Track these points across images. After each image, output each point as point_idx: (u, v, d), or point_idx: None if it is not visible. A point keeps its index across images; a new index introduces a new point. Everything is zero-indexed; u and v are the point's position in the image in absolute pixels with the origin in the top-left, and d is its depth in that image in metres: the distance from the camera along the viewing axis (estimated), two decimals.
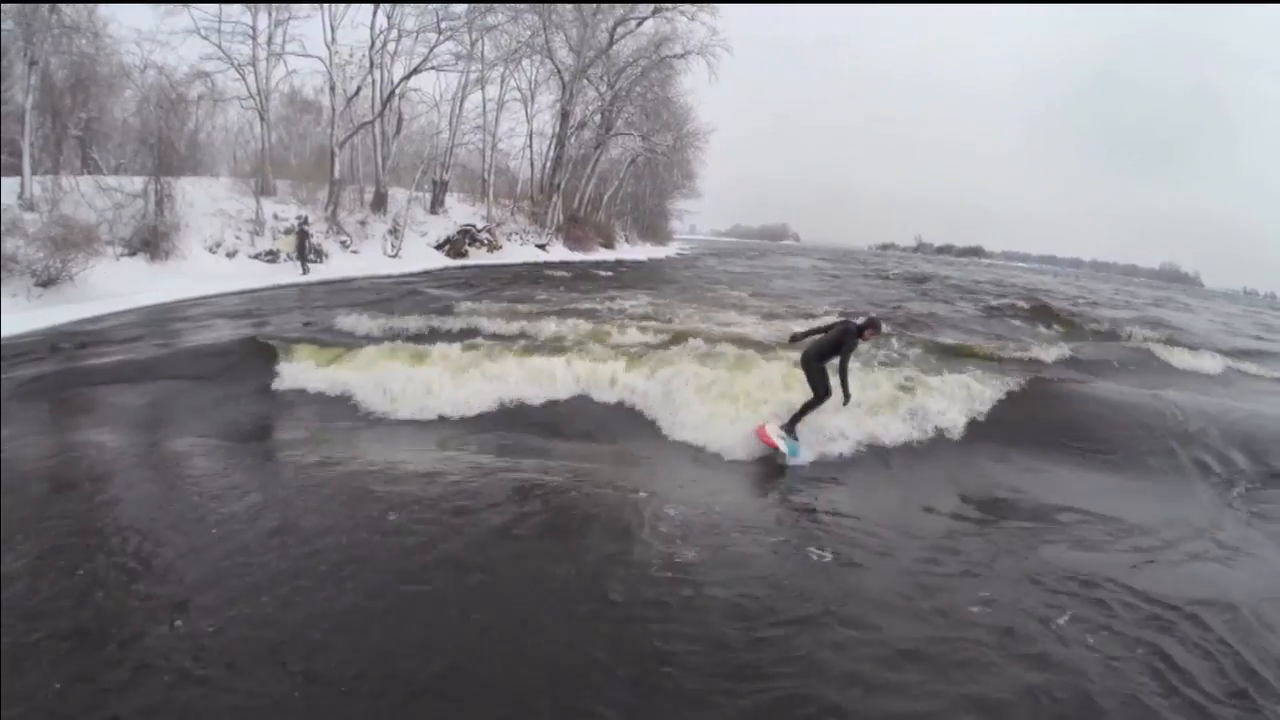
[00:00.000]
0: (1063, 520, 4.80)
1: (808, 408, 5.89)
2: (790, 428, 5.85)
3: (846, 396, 5.81)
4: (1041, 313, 16.41)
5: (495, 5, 24.57)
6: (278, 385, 7.19)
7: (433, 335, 9.42)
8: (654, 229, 51.93)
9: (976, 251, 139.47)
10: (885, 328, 6.62)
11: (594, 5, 30.06)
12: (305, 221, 18.96)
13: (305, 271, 17.83)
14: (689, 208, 60.18)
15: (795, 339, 6.52)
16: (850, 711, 2.59)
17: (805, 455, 5.77)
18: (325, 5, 20.15)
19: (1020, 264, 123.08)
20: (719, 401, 6.52)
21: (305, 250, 18.28)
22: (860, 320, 6.14)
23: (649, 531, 4.03)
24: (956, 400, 6.79)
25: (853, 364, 6.08)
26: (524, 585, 3.36)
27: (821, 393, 5.86)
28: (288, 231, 18.50)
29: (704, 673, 2.76)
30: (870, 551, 4.02)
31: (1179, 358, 11.04)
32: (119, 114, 20.10)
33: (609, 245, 36.90)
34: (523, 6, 26.83)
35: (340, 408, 6.71)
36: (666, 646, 2.91)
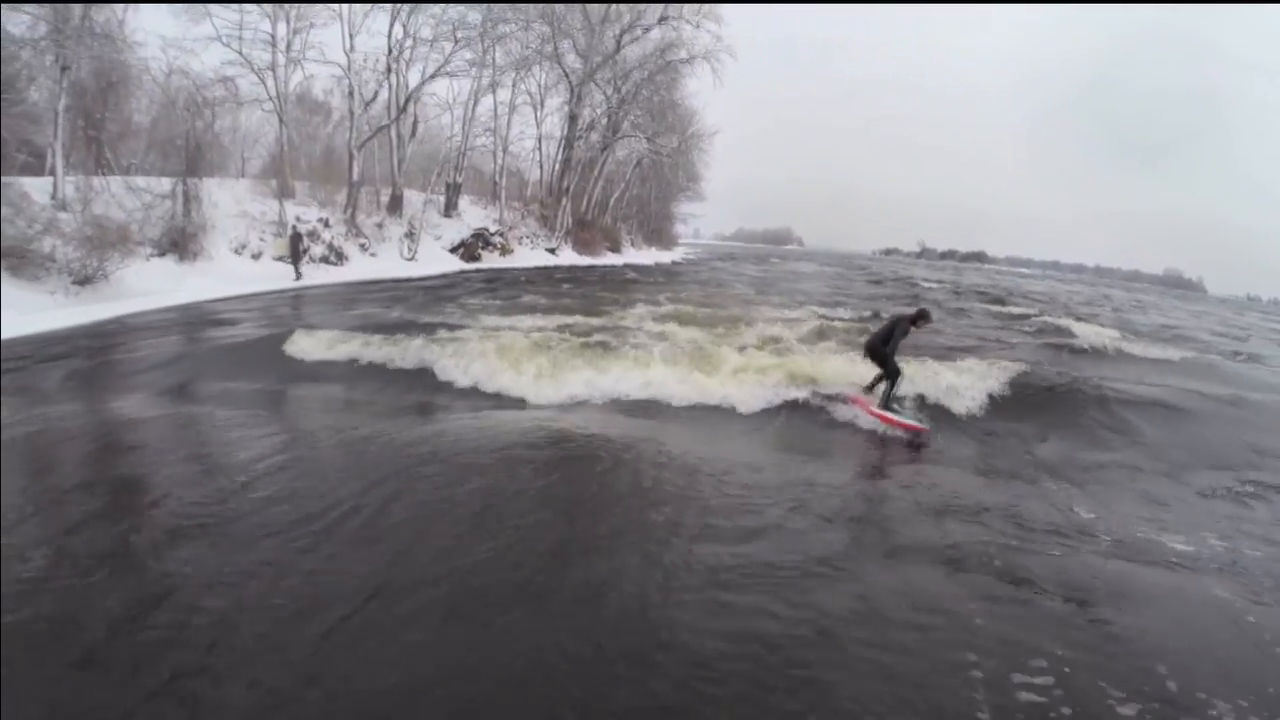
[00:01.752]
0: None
1: (889, 388, 6.69)
2: (886, 405, 6.63)
3: (894, 372, 6.68)
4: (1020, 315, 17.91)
5: (507, 15, 25.43)
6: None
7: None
8: (658, 233, 52.24)
9: (979, 257, 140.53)
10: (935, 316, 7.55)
11: (601, 14, 30.96)
12: (321, 223, 19.63)
13: (298, 277, 17.31)
14: (694, 211, 61.02)
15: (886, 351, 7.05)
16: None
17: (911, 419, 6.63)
18: (344, 14, 21.03)
19: (1024, 269, 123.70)
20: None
21: (299, 255, 17.80)
22: (912, 311, 7.06)
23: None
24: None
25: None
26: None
27: (893, 372, 6.70)
28: (307, 234, 19.07)
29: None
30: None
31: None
32: (135, 117, 20.85)
33: (615, 249, 37.54)
34: (533, 15, 27.67)
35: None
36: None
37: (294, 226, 18.55)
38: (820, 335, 11.29)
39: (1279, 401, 8.52)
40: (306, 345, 8.65)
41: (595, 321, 11.84)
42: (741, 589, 3.30)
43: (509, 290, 16.88)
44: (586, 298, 16.08)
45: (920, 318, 6.92)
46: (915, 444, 6.28)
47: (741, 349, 8.85)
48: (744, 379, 7.41)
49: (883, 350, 6.69)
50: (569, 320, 11.74)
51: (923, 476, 5.33)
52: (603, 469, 4.89)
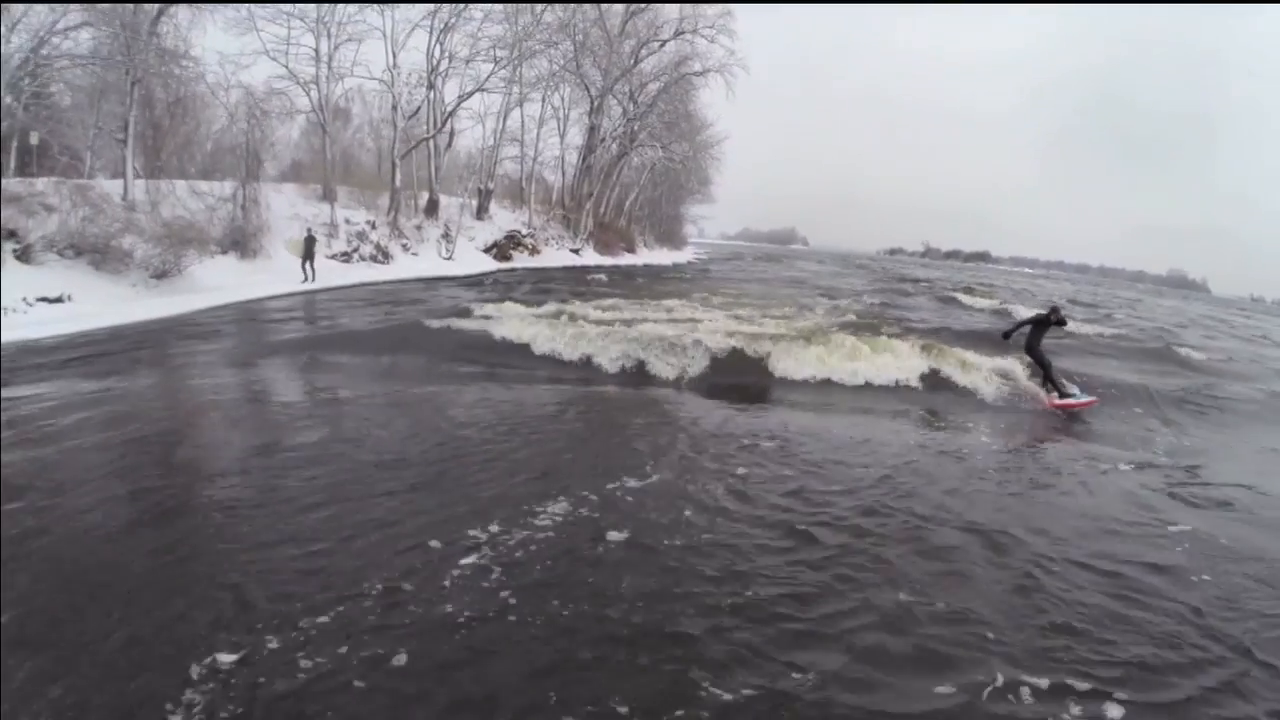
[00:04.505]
0: None
1: (1048, 377, 8.01)
2: (1058, 390, 7.87)
3: (1046, 363, 7.99)
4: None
5: (534, 34, 26.61)
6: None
7: None
8: (669, 234, 53.57)
9: (983, 257, 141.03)
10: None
11: (620, 28, 32.28)
12: (369, 225, 20.81)
13: (307, 279, 17.62)
14: (703, 213, 62.37)
15: (1006, 336, 8.62)
16: None
17: (1081, 395, 7.94)
18: (388, 33, 22.43)
19: (1027, 269, 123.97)
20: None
21: (312, 257, 18.02)
22: (1048, 310, 8.35)
23: None
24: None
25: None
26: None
27: (1045, 364, 8.00)
28: (356, 234, 20.17)
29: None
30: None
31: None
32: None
33: (631, 250, 38.72)
34: (556, 30, 28.84)
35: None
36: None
37: (308, 230, 18.76)
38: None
39: None
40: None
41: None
42: None
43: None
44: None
45: (1054, 312, 8.22)
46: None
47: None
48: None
49: (1036, 349, 7.97)
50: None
51: None
52: None
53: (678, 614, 2.91)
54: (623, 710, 2.34)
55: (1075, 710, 2.48)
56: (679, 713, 2.34)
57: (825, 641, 2.78)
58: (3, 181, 13.58)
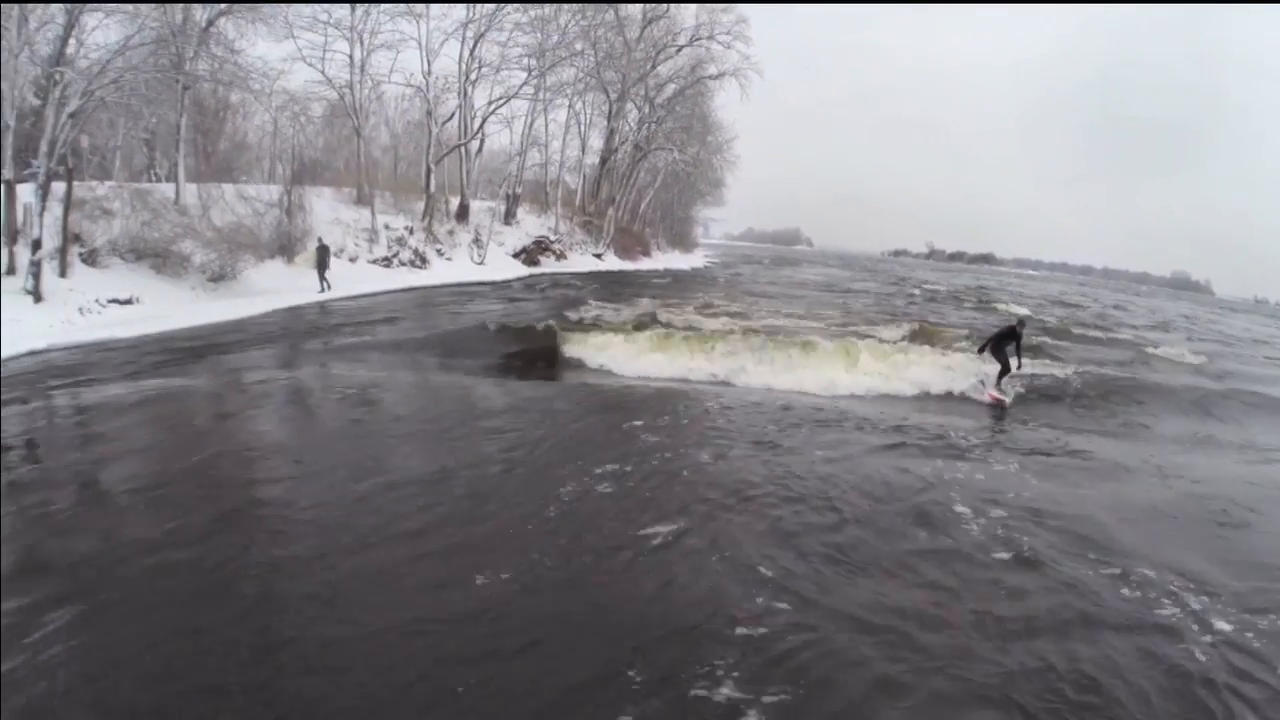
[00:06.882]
0: None
1: (1000, 375, 9.76)
2: (998, 386, 9.72)
3: (1019, 364, 9.79)
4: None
5: (554, 38, 27.47)
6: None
7: None
8: (680, 236, 53.93)
9: (987, 259, 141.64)
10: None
11: (638, 34, 33.16)
12: (408, 231, 21.56)
13: (325, 289, 17.47)
14: (713, 215, 63.18)
15: (980, 350, 10.19)
16: None
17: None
18: (423, 42, 23.22)
19: (1031, 270, 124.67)
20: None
21: (326, 266, 17.94)
22: (1016, 321, 10.12)
23: None
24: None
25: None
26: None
27: (1004, 365, 9.67)
28: (395, 240, 20.83)
29: None
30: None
31: None
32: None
33: (646, 254, 39.49)
34: (575, 34, 29.60)
35: None
36: None
37: (320, 239, 18.56)
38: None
39: None
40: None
41: None
42: None
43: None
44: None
45: (1021, 324, 9.92)
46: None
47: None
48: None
49: (1000, 353, 9.64)
50: None
51: None
52: None
53: None
54: None
55: None
56: None
57: None
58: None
